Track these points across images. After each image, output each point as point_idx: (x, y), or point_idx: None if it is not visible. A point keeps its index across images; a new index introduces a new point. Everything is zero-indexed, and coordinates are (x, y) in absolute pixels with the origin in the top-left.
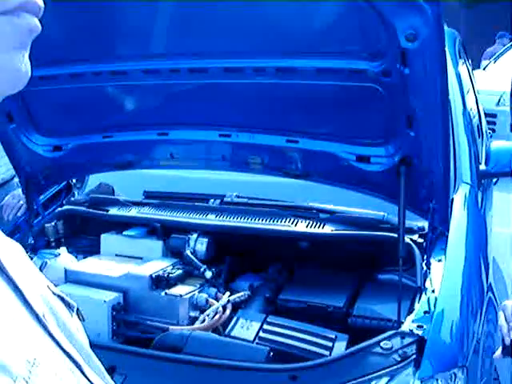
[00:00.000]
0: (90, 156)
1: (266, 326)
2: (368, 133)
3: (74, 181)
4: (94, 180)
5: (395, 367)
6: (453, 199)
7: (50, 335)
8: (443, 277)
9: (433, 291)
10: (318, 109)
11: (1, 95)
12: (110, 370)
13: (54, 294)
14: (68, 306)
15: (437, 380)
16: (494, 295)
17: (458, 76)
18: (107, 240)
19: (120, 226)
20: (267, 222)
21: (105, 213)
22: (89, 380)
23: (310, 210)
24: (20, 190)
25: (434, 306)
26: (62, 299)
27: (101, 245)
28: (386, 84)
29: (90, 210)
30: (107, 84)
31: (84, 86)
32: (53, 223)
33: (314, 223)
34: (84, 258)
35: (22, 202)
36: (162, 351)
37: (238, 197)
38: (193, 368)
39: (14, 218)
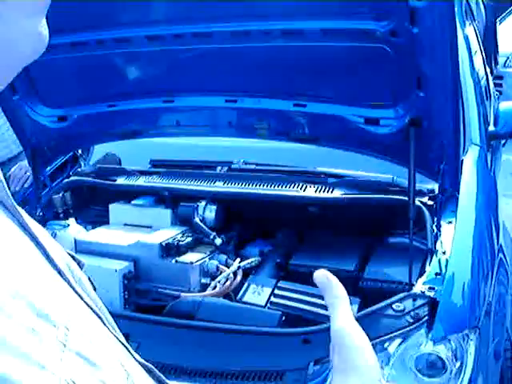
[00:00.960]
0: (95, 126)
1: (277, 291)
2: (377, 95)
3: (80, 152)
4: (99, 151)
5: (408, 329)
6: (462, 161)
7: (73, 289)
8: (454, 239)
9: (444, 253)
10: (325, 71)
11: (24, 61)
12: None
13: (66, 252)
14: (78, 263)
15: (449, 341)
16: (504, 256)
17: (466, 37)
18: (116, 210)
19: (128, 195)
20: (276, 187)
21: (112, 183)
22: (109, 330)
23: (319, 175)
24: (26, 161)
25: (446, 268)
26: (73, 257)
27: (109, 215)
28: (394, 44)
29: (98, 181)
30: (110, 52)
31: (87, 55)
32: (60, 194)
33: (323, 188)
34: (93, 228)
35: (28, 174)
36: (174, 318)
37: (246, 163)
38: (206, 334)
39: (22, 189)
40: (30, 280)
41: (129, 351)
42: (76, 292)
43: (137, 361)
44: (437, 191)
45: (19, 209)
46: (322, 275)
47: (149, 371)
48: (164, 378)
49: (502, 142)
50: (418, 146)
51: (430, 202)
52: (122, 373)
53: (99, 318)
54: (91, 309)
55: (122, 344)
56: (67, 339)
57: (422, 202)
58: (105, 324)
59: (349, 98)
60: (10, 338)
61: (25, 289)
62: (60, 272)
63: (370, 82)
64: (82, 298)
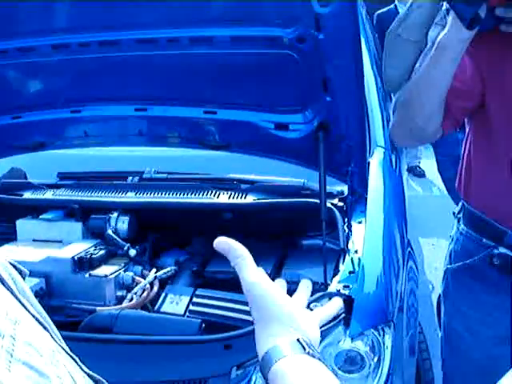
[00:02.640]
0: None
1: (195, 299)
2: (286, 100)
3: None
4: (3, 166)
5: (326, 327)
6: (369, 162)
7: (17, 299)
8: (365, 238)
9: (356, 252)
10: (234, 78)
11: None
12: None
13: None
14: (20, 273)
15: (366, 336)
16: (412, 249)
17: (368, 42)
18: (23, 225)
19: (36, 210)
20: (189, 195)
21: (18, 197)
22: (55, 341)
23: (231, 181)
24: None
25: (359, 266)
26: (14, 266)
27: (17, 231)
28: (301, 50)
29: (3, 196)
30: (14, 61)
31: None
32: None
33: (236, 194)
34: (0, 245)
35: None
36: (90, 333)
37: (158, 172)
38: (126, 347)
39: None
40: None
41: (76, 362)
42: (20, 302)
43: (84, 372)
44: (346, 193)
45: None
46: (222, 241)
47: (96, 382)
48: None
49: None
50: (326, 149)
51: (341, 204)
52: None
53: (45, 329)
54: (37, 320)
55: (69, 355)
56: (14, 349)
57: (332, 204)
58: (51, 335)
59: (258, 104)
60: None
61: None
62: (2, 281)
63: (279, 87)
64: (26, 309)
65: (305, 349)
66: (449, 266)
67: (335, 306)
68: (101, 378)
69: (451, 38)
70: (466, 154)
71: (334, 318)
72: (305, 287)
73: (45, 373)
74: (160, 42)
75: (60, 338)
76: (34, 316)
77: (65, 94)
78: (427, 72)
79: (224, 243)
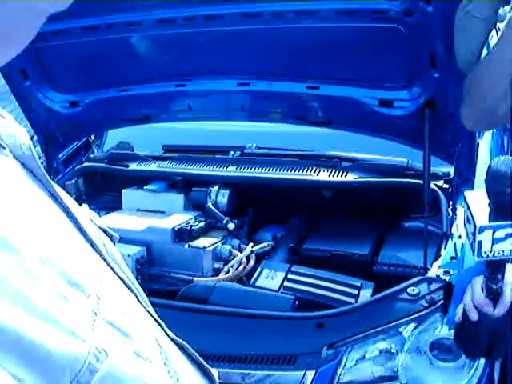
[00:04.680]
0: (107, 111)
1: (290, 276)
2: (391, 76)
3: (92, 138)
4: (112, 137)
5: (422, 313)
6: (478, 144)
7: (106, 262)
8: None
9: (459, 237)
10: (338, 53)
11: (45, 15)
12: None
13: (97, 226)
14: (110, 238)
15: None
16: None
17: None
18: (128, 195)
19: (141, 180)
20: (289, 171)
21: (125, 168)
22: (142, 305)
23: (332, 159)
24: (39, 147)
25: (461, 252)
26: (105, 231)
27: (122, 200)
28: (408, 24)
29: (110, 166)
30: (121, 36)
31: (98, 39)
32: (73, 181)
33: (337, 172)
34: (106, 214)
35: (41, 160)
36: (187, 303)
37: (259, 147)
38: (219, 318)
39: None
40: (61, 248)
41: (162, 328)
42: (109, 265)
43: (170, 337)
44: (452, 174)
45: (50, 179)
46: None
47: (181, 348)
48: (197, 355)
49: None
50: (432, 128)
51: (446, 186)
52: (155, 346)
53: (132, 292)
54: (124, 283)
55: (156, 320)
56: (98, 308)
57: (437, 186)
58: (138, 299)
59: (362, 80)
60: (39, 303)
61: (55, 256)
62: (92, 244)
63: (384, 63)
64: (114, 272)
65: None
66: None
67: None
68: (185, 344)
69: None
70: None
71: (431, 304)
72: None
73: (128, 333)
74: (264, 16)
75: (147, 302)
76: (121, 279)
77: (170, 68)
78: (497, 51)
79: None
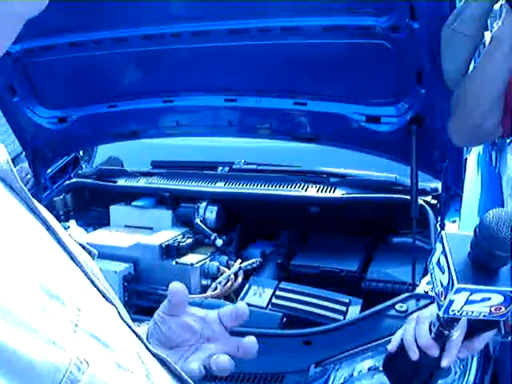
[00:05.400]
0: (95, 127)
1: (278, 293)
2: (378, 92)
3: (81, 154)
4: (102, 153)
5: None
6: (466, 159)
7: (86, 275)
8: None
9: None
10: (325, 69)
11: (22, 18)
12: None
13: (76, 241)
14: (89, 253)
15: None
16: None
17: None
18: (116, 211)
19: (129, 196)
20: (277, 187)
21: (113, 184)
22: (123, 319)
23: (320, 175)
24: (27, 163)
25: None
26: (83, 247)
27: (110, 216)
28: (394, 40)
29: (98, 182)
30: (108, 52)
31: (85, 55)
32: (61, 196)
33: (325, 187)
34: (94, 230)
35: (29, 176)
36: None
37: (247, 163)
38: None
39: None
40: (40, 261)
41: (143, 343)
42: (89, 278)
43: (151, 352)
44: (440, 190)
45: (29, 194)
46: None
47: (163, 363)
48: (179, 369)
49: (508, 140)
50: (420, 143)
51: (434, 201)
52: (137, 359)
53: (113, 305)
54: (104, 296)
55: (136, 335)
56: (79, 320)
57: (425, 201)
58: (119, 313)
59: (349, 96)
60: (21, 314)
61: (34, 268)
62: (72, 257)
63: (371, 79)
64: (95, 285)
65: None
66: None
67: None
68: (167, 358)
69: (505, 32)
70: None
71: None
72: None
73: (109, 344)
74: (251, 32)
75: (128, 316)
76: (101, 292)
77: (158, 83)
78: (482, 66)
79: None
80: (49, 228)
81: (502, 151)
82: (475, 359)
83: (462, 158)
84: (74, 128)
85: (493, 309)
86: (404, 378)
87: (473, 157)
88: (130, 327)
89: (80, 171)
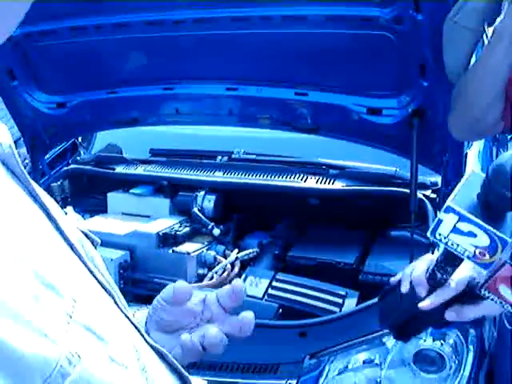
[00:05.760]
0: (94, 113)
1: (274, 283)
2: (380, 84)
3: (79, 140)
4: (101, 139)
5: None
6: (467, 153)
7: (85, 264)
8: None
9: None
10: (327, 59)
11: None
12: None
13: (79, 229)
14: (92, 242)
15: (449, 336)
16: None
17: None
18: (114, 198)
19: (127, 184)
20: (276, 178)
21: (111, 171)
22: (121, 311)
23: (320, 166)
24: (25, 148)
25: None
26: (86, 235)
27: (107, 203)
28: (398, 32)
29: (97, 169)
30: (109, 37)
31: (86, 41)
32: (59, 182)
33: (324, 179)
34: (91, 216)
35: (27, 161)
36: None
37: (246, 153)
38: None
39: None
40: (36, 248)
41: (141, 334)
42: (88, 268)
43: (148, 344)
44: (440, 184)
45: (29, 178)
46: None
47: (160, 355)
48: (176, 363)
49: (509, 137)
50: (420, 137)
51: (433, 195)
52: (132, 352)
53: (111, 296)
54: (103, 287)
55: (135, 326)
56: (74, 311)
57: (424, 195)
58: (117, 304)
59: (351, 87)
60: (12, 303)
61: (30, 255)
62: (71, 246)
63: (373, 70)
64: (93, 275)
65: None
66: None
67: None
68: (164, 350)
69: (506, 26)
70: None
71: None
72: None
73: (103, 337)
74: (253, 20)
75: (127, 307)
76: (100, 283)
77: (159, 71)
78: (483, 60)
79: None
80: (49, 215)
81: (502, 146)
82: (470, 354)
83: (462, 152)
84: (73, 114)
85: (477, 251)
86: (387, 311)
87: (473, 151)
88: (128, 319)
89: (78, 157)
